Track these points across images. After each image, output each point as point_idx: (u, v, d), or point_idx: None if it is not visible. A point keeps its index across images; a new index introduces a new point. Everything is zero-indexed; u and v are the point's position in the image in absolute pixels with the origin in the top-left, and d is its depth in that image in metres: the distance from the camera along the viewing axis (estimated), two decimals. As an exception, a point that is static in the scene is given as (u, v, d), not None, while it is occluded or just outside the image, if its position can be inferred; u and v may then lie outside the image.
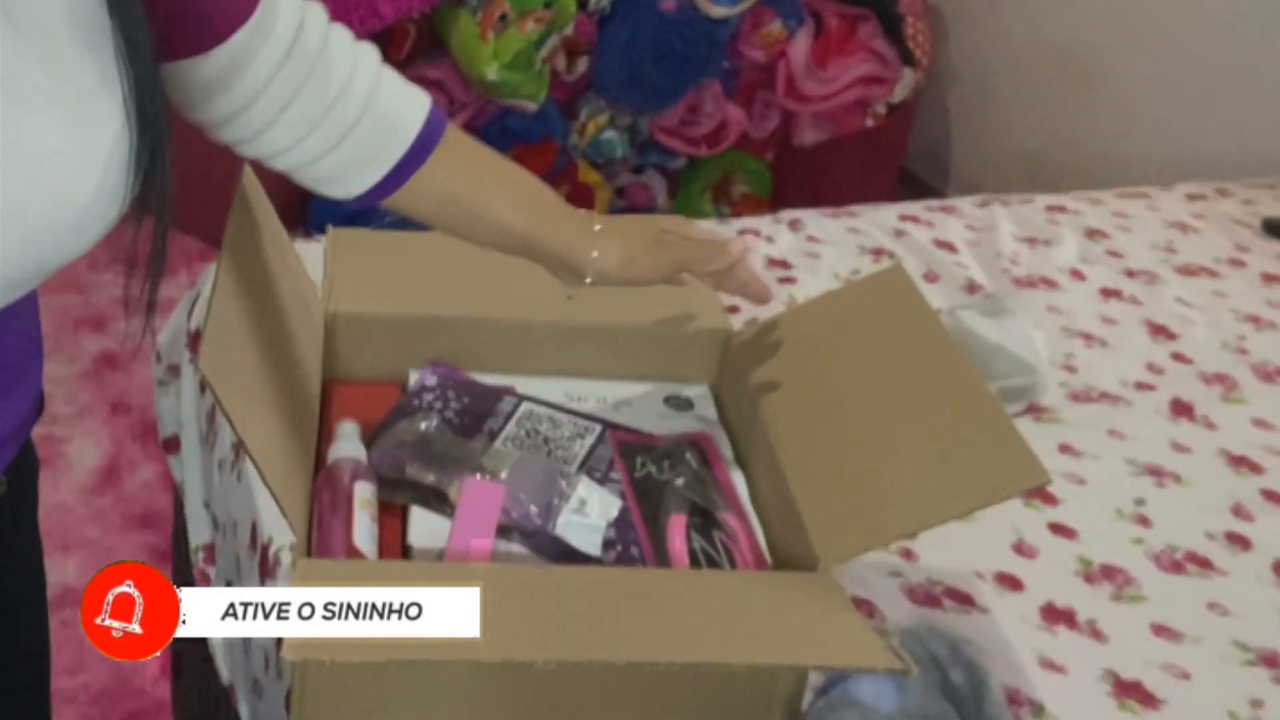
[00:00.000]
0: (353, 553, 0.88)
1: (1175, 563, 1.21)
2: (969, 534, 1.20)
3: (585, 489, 0.97)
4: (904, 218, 1.89)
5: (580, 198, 2.94)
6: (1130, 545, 1.22)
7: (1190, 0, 2.64)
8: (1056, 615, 1.12)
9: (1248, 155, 2.44)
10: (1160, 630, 1.12)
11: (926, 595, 1.11)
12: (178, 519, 1.47)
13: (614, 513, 0.98)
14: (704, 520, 1.01)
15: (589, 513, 0.96)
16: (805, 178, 3.17)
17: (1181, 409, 1.46)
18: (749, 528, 1.02)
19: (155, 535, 2.05)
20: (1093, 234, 1.90)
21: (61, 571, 1.92)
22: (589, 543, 0.95)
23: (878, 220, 1.87)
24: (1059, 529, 1.23)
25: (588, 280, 0.97)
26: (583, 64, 2.73)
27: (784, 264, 1.71)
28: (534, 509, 0.94)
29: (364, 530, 0.89)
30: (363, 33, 2.37)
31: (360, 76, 0.86)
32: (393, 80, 0.89)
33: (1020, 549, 1.20)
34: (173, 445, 1.42)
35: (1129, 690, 1.05)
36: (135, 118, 0.69)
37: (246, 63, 0.80)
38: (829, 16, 2.94)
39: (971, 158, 3.30)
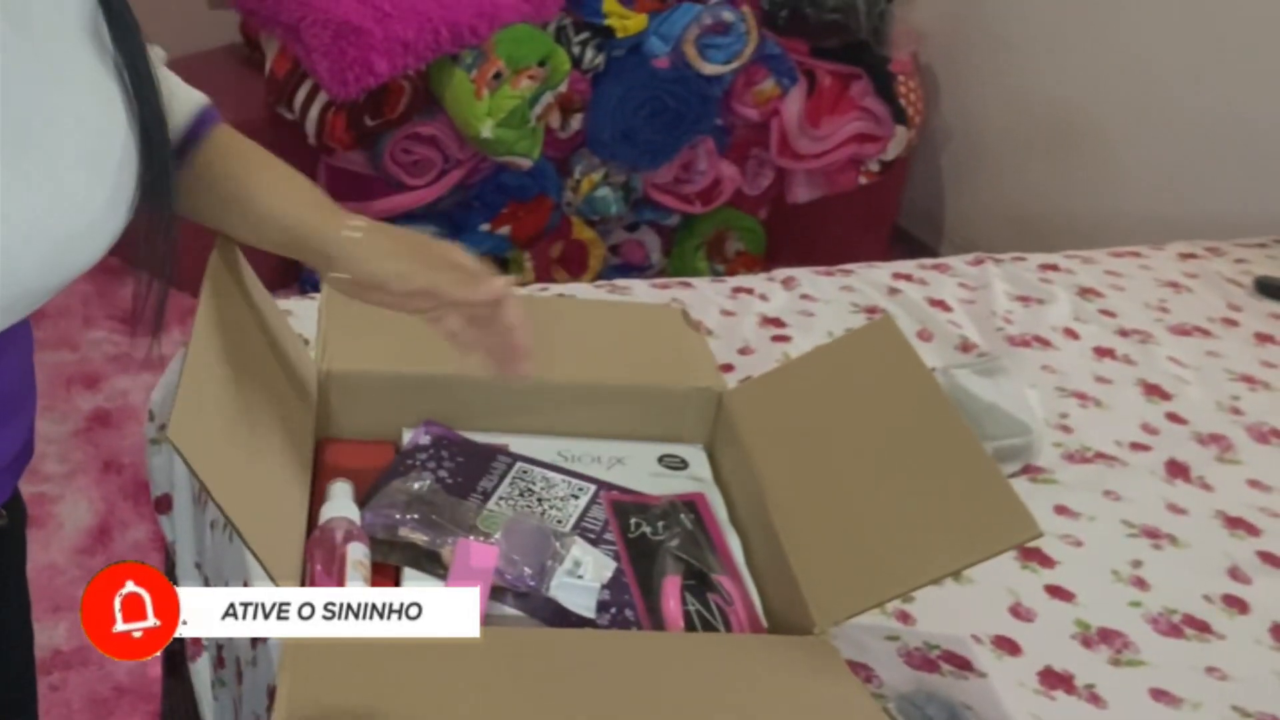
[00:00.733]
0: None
1: (1173, 626, 1.20)
2: (966, 597, 1.19)
3: (579, 550, 0.97)
4: (898, 276, 1.89)
5: (575, 254, 2.94)
6: (1128, 608, 1.21)
7: (1181, 60, 2.66)
8: (1055, 680, 1.11)
9: (1239, 214, 2.46)
10: (1159, 695, 1.11)
11: (924, 659, 1.10)
12: (169, 579, 1.45)
13: (608, 574, 0.97)
14: (699, 582, 1.00)
15: (583, 574, 0.96)
16: (799, 235, 3.19)
17: (1177, 470, 1.46)
18: (744, 590, 1.01)
19: (145, 594, 2.03)
20: (1086, 293, 1.91)
21: (51, 634, 1.90)
22: (583, 605, 0.94)
23: (871, 279, 1.87)
24: (1056, 591, 1.22)
25: (338, 265, 0.91)
26: (577, 121, 2.74)
27: (778, 322, 1.71)
28: (528, 570, 0.93)
29: (356, 592, 0.88)
30: (358, 90, 2.39)
31: None
32: (169, 77, 0.90)
33: (1017, 612, 1.19)
34: (164, 505, 1.41)
35: (1129, 756, 1.04)
36: (139, 123, 0.71)
37: None
38: (821, 75, 2.96)
39: (964, 215, 3.32)
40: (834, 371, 1.10)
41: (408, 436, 1.10)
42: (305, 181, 0.94)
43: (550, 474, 1.08)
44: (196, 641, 1.25)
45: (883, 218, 3.38)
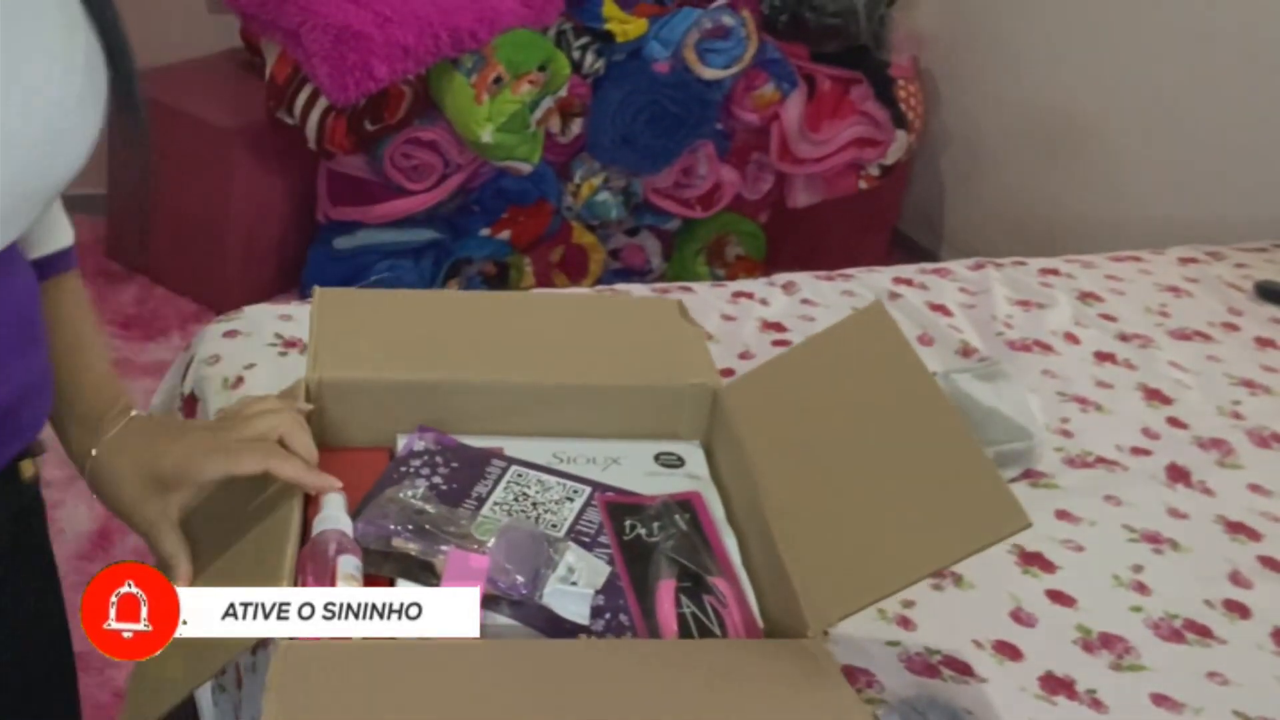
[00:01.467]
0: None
1: (1174, 631, 1.19)
2: (967, 602, 1.18)
3: (573, 556, 0.96)
4: (898, 280, 1.89)
5: (575, 258, 2.94)
6: (1129, 613, 1.21)
7: (1181, 65, 2.66)
8: (1056, 685, 1.10)
9: (1239, 219, 2.45)
10: (1160, 700, 1.10)
11: (925, 665, 1.10)
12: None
13: (602, 579, 0.96)
14: (694, 584, 0.99)
15: (577, 580, 0.95)
16: (799, 239, 3.19)
17: (1178, 474, 1.45)
18: (740, 591, 1.00)
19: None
20: (1086, 297, 1.90)
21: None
22: (577, 612, 0.93)
23: (872, 283, 1.87)
24: (1057, 596, 1.22)
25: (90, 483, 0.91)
26: (577, 126, 2.74)
27: (779, 327, 1.71)
28: (520, 579, 0.92)
29: (349, 604, 0.88)
30: (358, 95, 2.39)
31: None
32: (56, 201, 0.88)
33: (1018, 617, 1.18)
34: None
35: (1129, 763, 1.03)
36: (98, 25, 0.74)
37: None
38: (821, 79, 2.96)
39: (964, 220, 3.32)
40: (827, 362, 1.10)
41: (402, 442, 1.09)
42: (94, 378, 0.92)
43: (545, 477, 1.07)
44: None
45: (883, 222, 3.38)
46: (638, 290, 1.76)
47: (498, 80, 2.51)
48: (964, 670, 1.10)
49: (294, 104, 2.52)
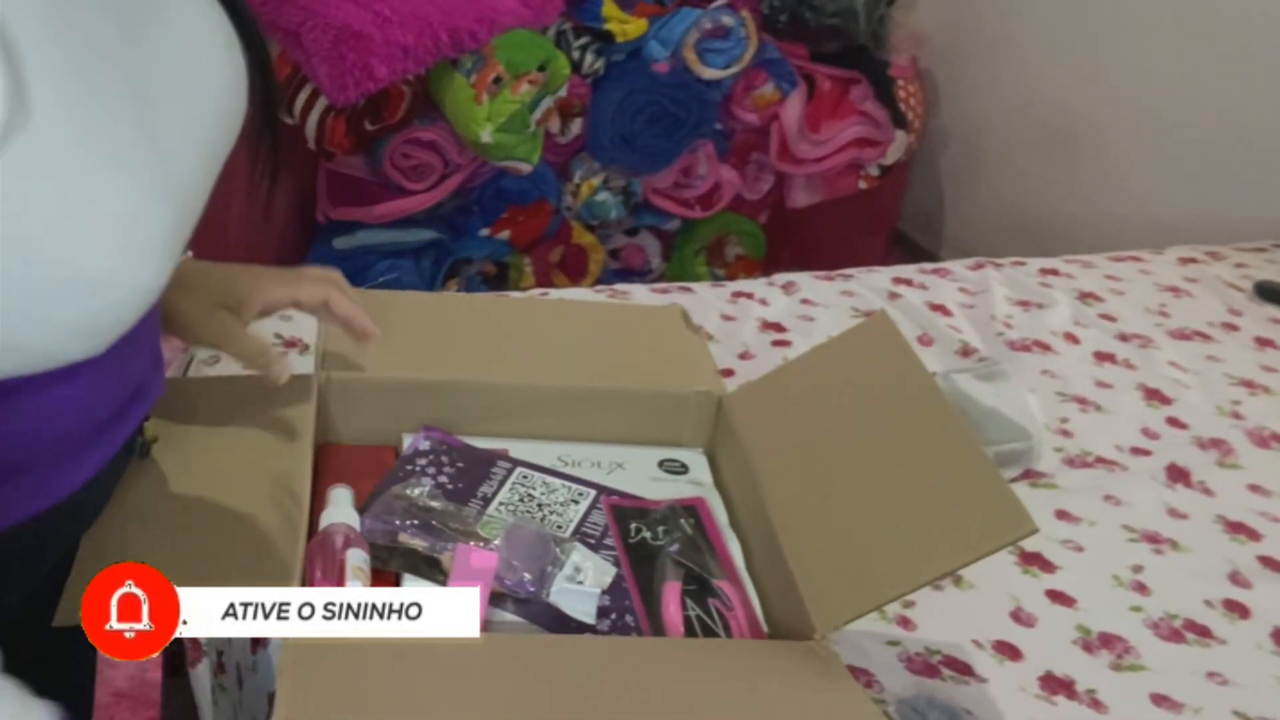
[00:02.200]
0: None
1: (1174, 631, 1.20)
2: (967, 602, 1.19)
3: (579, 556, 0.96)
4: (898, 280, 1.89)
5: (574, 259, 2.94)
6: (1129, 613, 1.21)
7: (1180, 65, 2.66)
8: (1056, 685, 1.11)
9: (1238, 219, 2.46)
10: (1160, 700, 1.11)
11: (925, 664, 1.10)
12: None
13: (608, 580, 0.97)
14: (699, 587, 1.00)
15: (583, 580, 0.95)
16: (799, 239, 3.19)
17: (1178, 474, 1.46)
18: (744, 595, 1.01)
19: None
20: (1085, 297, 1.91)
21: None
22: (583, 611, 0.94)
23: (871, 283, 1.87)
24: (1057, 596, 1.22)
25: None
26: (577, 126, 2.74)
27: (778, 327, 1.71)
28: (527, 576, 0.93)
29: (356, 598, 0.88)
30: (358, 95, 2.39)
31: None
32: None
33: (1018, 617, 1.19)
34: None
35: (1130, 762, 1.04)
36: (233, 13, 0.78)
37: None
38: (821, 79, 2.96)
39: (964, 220, 3.32)
40: (831, 371, 1.10)
41: (407, 442, 1.10)
42: None
43: (550, 479, 1.08)
44: (196, 647, 1.25)
45: (882, 222, 3.38)
46: (638, 290, 1.76)
47: (497, 80, 2.51)
48: (964, 670, 1.10)
49: (294, 104, 2.52)
